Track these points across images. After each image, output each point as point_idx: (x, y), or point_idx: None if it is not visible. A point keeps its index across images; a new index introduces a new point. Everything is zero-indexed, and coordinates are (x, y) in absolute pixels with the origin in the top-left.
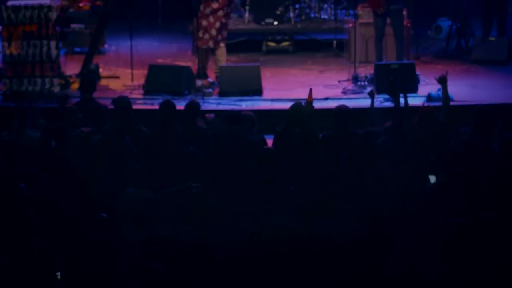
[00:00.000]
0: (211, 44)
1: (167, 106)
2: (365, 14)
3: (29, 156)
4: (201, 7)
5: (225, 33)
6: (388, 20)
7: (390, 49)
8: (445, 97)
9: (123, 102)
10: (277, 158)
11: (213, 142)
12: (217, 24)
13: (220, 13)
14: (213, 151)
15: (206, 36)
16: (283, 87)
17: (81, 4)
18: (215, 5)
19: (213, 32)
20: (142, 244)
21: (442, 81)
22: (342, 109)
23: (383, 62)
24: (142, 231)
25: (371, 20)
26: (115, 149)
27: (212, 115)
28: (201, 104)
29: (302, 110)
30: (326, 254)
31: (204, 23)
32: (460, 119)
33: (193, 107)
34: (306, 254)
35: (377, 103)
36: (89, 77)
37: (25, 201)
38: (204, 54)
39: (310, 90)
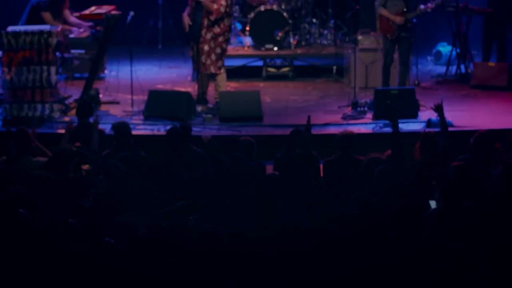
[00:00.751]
0: (212, 69)
1: (175, 133)
2: (365, 40)
3: (29, 182)
4: (203, 33)
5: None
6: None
7: (392, 74)
8: (443, 124)
9: (123, 128)
10: (278, 185)
11: (211, 166)
12: (218, 50)
13: (221, 38)
14: (212, 176)
15: (208, 61)
16: (283, 113)
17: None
18: (216, 30)
19: (214, 57)
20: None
21: (438, 109)
22: (345, 135)
23: (383, 87)
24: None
25: (370, 46)
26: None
27: (209, 136)
28: (201, 129)
29: (302, 136)
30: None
31: (206, 48)
32: (460, 145)
33: (185, 130)
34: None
35: (376, 128)
36: (86, 102)
37: (26, 227)
38: (205, 80)
39: (309, 117)
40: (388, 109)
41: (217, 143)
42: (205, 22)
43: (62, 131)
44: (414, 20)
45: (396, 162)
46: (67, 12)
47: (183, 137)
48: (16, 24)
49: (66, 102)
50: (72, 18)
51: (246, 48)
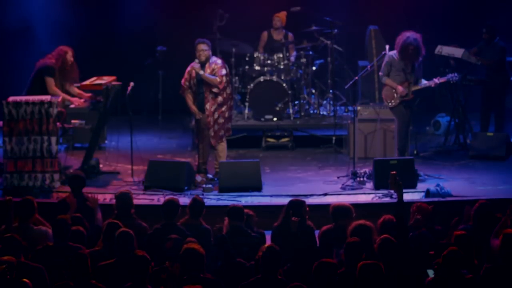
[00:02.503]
0: (214, 140)
1: (171, 204)
2: (364, 111)
3: (33, 251)
4: (207, 106)
5: (228, 128)
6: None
7: (389, 145)
8: (399, 199)
9: (125, 198)
10: (277, 256)
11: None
12: (221, 120)
13: (224, 108)
14: (213, 247)
15: (211, 132)
16: (283, 183)
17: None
18: (219, 100)
19: (216, 127)
20: None
21: (394, 186)
22: (339, 206)
23: (382, 158)
24: None
25: (370, 116)
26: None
27: (217, 226)
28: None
29: (299, 206)
30: None
31: (210, 120)
32: (459, 214)
33: (197, 205)
34: None
35: (375, 199)
36: (77, 173)
37: None
38: (205, 150)
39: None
40: (393, 180)
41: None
42: (208, 95)
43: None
44: (414, 92)
45: (400, 232)
46: (73, 89)
47: (197, 211)
48: (22, 90)
49: (67, 172)
50: (74, 89)
51: (245, 119)
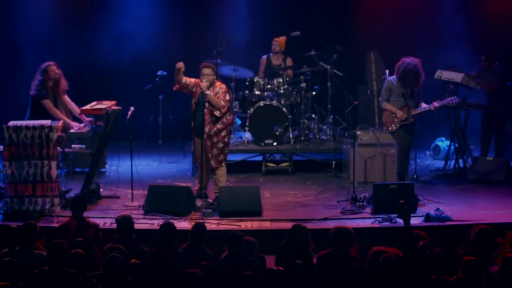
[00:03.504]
0: (213, 163)
1: (167, 228)
2: (363, 135)
3: (35, 276)
4: (206, 129)
5: (226, 153)
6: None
7: (389, 169)
8: (406, 226)
9: (126, 222)
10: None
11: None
12: (220, 144)
13: (224, 133)
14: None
15: (210, 155)
16: (283, 208)
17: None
18: (219, 125)
19: (216, 151)
20: None
21: (402, 214)
22: (340, 230)
23: (382, 182)
24: None
25: (369, 141)
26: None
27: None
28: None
29: (301, 232)
30: None
31: (208, 144)
32: (459, 239)
33: (198, 230)
34: None
35: (375, 223)
36: (79, 197)
37: None
38: (205, 174)
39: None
40: (401, 208)
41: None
42: (208, 118)
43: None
44: (414, 116)
45: (409, 259)
46: (65, 98)
47: (197, 237)
48: (24, 118)
49: (67, 196)
50: (72, 104)
51: (245, 143)
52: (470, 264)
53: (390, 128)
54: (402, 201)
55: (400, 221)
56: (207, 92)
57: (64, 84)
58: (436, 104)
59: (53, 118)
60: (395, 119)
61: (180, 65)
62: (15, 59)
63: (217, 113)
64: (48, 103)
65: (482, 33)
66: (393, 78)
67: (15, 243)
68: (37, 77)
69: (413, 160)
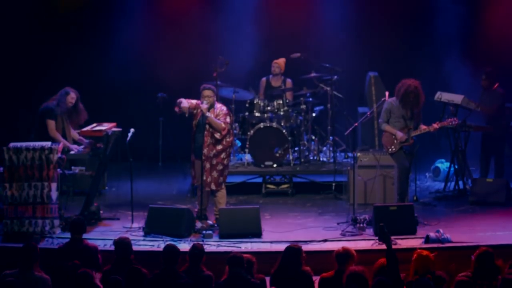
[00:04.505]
0: (213, 186)
1: (171, 250)
2: (363, 157)
3: None
4: (205, 151)
5: (226, 175)
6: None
7: (389, 191)
8: (389, 250)
9: (124, 244)
10: None
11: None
12: (220, 166)
13: (223, 155)
14: None
15: (209, 178)
16: (283, 229)
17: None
18: (219, 147)
19: (216, 174)
20: None
21: (383, 238)
22: (343, 251)
23: (382, 204)
24: None
25: (369, 162)
26: None
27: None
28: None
29: (296, 253)
30: None
31: (208, 166)
32: (459, 261)
33: (196, 252)
34: None
35: (375, 245)
36: (79, 219)
37: None
38: (205, 196)
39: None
40: (381, 231)
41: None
42: (208, 140)
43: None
44: (414, 137)
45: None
46: (70, 129)
47: (195, 259)
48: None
49: (67, 218)
50: (73, 133)
51: (245, 165)
52: (463, 284)
53: (390, 149)
54: (382, 224)
55: (401, 242)
56: (208, 114)
57: (80, 115)
58: (435, 125)
59: (53, 140)
60: (395, 141)
61: (185, 108)
62: (14, 79)
63: (217, 135)
64: (51, 123)
65: (484, 55)
66: (393, 99)
67: (16, 265)
68: (55, 97)
69: (413, 182)
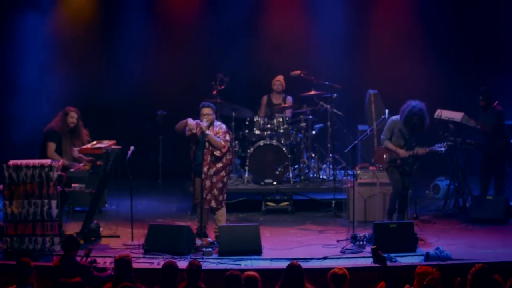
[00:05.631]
0: (213, 204)
1: (170, 267)
2: (363, 174)
3: None
4: (205, 169)
5: (225, 193)
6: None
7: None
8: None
9: (124, 262)
10: None
11: None
12: (220, 184)
13: (223, 173)
14: None
15: (209, 196)
16: (282, 247)
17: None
18: (219, 165)
19: (216, 192)
20: None
21: (378, 259)
22: (338, 273)
23: (382, 221)
24: None
25: (369, 180)
26: None
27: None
28: (201, 263)
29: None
30: None
31: (208, 183)
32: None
33: (193, 269)
34: None
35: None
36: (72, 236)
37: None
38: (205, 214)
39: None
40: (375, 254)
41: None
42: (208, 158)
43: None
44: (411, 157)
45: None
46: (72, 148)
47: (193, 276)
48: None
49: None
50: (75, 153)
51: (245, 183)
52: None
53: (378, 167)
54: (375, 247)
55: (401, 260)
56: (208, 132)
57: (81, 135)
58: (422, 150)
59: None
60: (384, 158)
61: (192, 125)
62: (12, 96)
63: (217, 153)
64: (50, 145)
65: (483, 73)
66: (396, 118)
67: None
68: (56, 118)
69: (413, 200)
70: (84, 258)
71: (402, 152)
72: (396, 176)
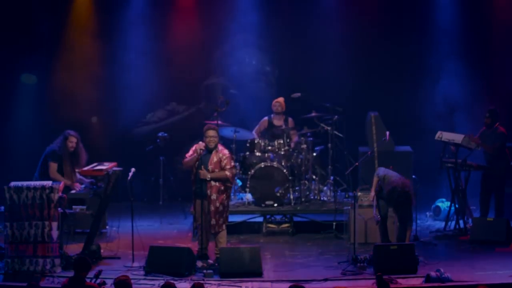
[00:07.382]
0: (217, 228)
1: None
2: (364, 196)
3: None
4: (208, 192)
5: (226, 216)
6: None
7: (390, 230)
8: None
9: (124, 284)
10: None
11: None
12: (221, 207)
13: (224, 196)
14: None
15: (213, 221)
16: (283, 269)
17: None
18: (222, 188)
19: (217, 216)
20: None
21: (381, 285)
22: None
23: (382, 243)
24: None
25: (370, 202)
26: None
27: None
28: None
29: None
30: None
31: (212, 208)
32: None
33: None
34: None
35: (375, 284)
36: (83, 257)
37: None
38: (206, 236)
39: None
40: (378, 280)
41: None
42: (211, 182)
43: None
44: (414, 176)
45: None
46: (72, 171)
47: None
48: (33, 173)
49: (68, 256)
50: (77, 176)
51: (246, 204)
52: None
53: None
54: (380, 274)
55: (401, 281)
56: (209, 177)
57: (80, 158)
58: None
59: (53, 180)
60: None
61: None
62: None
63: (228, 184)
64: (52, 165)
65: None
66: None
67: None
68: (57, 140)
69: (414, 221)
70: (94, 279)
71: (371, 195)
72: (380, 205)
